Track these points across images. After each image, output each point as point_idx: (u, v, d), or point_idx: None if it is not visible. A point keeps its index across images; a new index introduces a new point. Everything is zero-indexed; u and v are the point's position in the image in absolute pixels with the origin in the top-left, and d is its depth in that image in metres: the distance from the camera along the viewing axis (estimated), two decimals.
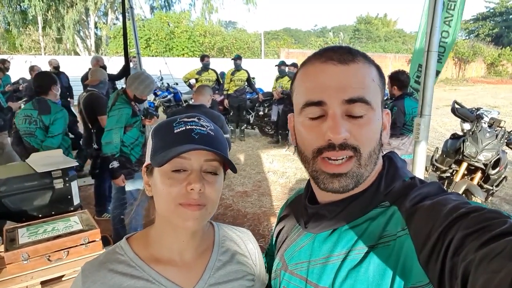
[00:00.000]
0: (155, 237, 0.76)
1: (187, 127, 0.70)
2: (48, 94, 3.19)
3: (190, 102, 3.47)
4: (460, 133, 4.02)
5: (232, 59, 7.69)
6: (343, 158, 0.61)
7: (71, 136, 3.95)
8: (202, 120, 0.74)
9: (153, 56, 17.42)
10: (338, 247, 0.65)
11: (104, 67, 7.23)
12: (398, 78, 3.82)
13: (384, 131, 0.68)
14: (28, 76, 7.56)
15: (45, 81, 3.23)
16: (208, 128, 0.73)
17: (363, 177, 0.63)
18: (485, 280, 0.39)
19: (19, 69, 9.22)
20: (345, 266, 0.62)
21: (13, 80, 7.71)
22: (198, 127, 0.71)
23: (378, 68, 0.67)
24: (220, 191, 0.74)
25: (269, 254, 0.93)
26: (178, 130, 0.70)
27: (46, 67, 7.81)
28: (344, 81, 0.61)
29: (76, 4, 18.43)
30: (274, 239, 0.87)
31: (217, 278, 0.77)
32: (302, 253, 0.71)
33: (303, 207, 0.75)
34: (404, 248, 0.56)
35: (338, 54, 0.63)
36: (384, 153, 0.72)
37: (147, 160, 0.73)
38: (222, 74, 8.21)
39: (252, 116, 8.13)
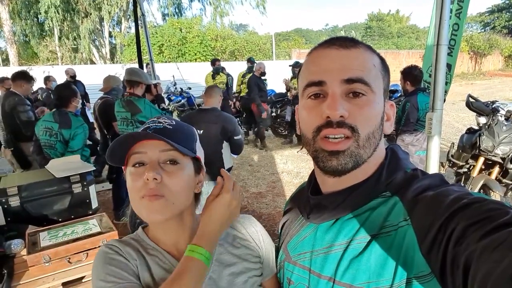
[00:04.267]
0: (152, 231, 0.81)
1: (145, 126, 0.76)
2: (69, 106, 3.20)
3: (202, 106, 3.49)
4: (476, 128, 3.94)
5: (248, 60, 7.70)
6: (342, 137, 0.62)
7: (89, 142, 4.06)
8: (162, 119, 0.77)
9: (166, 62, 17.66)
10: (340, 237, 0.66)
11: (74, 76, 7.51)
12: (410, 73, 3.77)
13: (387, 121, 0.69)
14: (44, 86, 7.78)
15: (66, 93, 3.24)
16: (166, 123, 0.76)
17: (361, 158, 0.63)
18: (487, 270, 0.40)
19: (38, 80, 9.48)
20: (347, 255, 0.63)
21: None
22: (154, 124, 0.75)
23: (381, 58, 0.68)
24: (185, 182, 0.74)
25: (277, 249, 0.94)
26: (139, 130, 0.75)
27: (63, 77, 8.02)
28: (345, 63, 0.63)
29: (91, 14, 18.87)
30: (279, 232, 0.88)
31: (219, 263, 0.79)
32: (305, 244, 0.72)
33: (306, 199, 0.76)
34: (406, 239, 0.57)
35: (341, 41, 0.65)
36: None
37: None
38: (231, 79, 8.24)
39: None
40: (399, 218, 0.59)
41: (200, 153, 0.82)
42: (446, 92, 4.02)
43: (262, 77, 7.23)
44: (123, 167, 0.78)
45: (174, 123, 0.77)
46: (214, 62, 7.59)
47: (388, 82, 0.69)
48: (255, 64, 7.44)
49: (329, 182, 0.69)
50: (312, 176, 0.77)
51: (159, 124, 0.75)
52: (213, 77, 7.39)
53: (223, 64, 8.00)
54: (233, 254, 0.82)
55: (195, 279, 0.68)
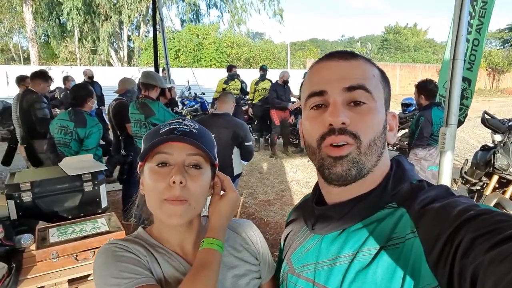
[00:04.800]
0: (157, 231, 0.81)
1: (170, 127, 0.75)
2: (84, 106, 3.26)
3: (215, 111, 3.51)
4: (491, 145, 3.87)
5: (260, 68, 7.78)
6: (344, 143, 0.62)
7: (102, 143, 4.13)
8: (186, 121, 0.78)
9: (181, 67, 17.87)
10: (345, 248, 0.65)
11: (92, 77, 7.63)
12: (425, 87, 3.73)
13: (390, 131, 0.69)
14: (63, 86, 7.95)
15: (82, 93, 3.31)
16: (192, 127, 0.77)
17: (364, 166, 0.63)
18: (494, 282, 0.39)
19: (56, 79, 9.71)
20: (353, 267, 0.62)
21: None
22: (181, 126, 0.76)
23: (381, 71, 0.70)
24: (205, 187, 0.77)
25: (279, 260, 0.92)
26: (163, 130, 0.75)
27: (81, 77, 8.19)
28: (345, 72, 0.64)
29: (111, 17, 19.27)
30: (282, 243, 0.87)
31: (223, 265, 0.79)
32: (309, 255, 0.72)
33: (311, 209, 0.75)
34: (413, 251, 0.56)
35: (341, 54, 0.67)
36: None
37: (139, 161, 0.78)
38: (245, 85, 8.29)
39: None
40: (406, 230, 0.59)
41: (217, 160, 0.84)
42: (467, 106, 3.98)
43: (285, 85, 7.29)
44: (139, 163, 0.78)
45: (198, 127, 0.78)
46: (230, 68, 7.68)
47: (389, 93, 0.70)
48: (281, 72, 7.52)
49: (334, 192, 0.69)
50: (317, 187, 0.77)
51: (185, 127, 0.76)
52: (227, 83, 7.45)
53: (237, 71, 8.06)
54: (235, 257, 0.83)
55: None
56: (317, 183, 0.77)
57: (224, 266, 0.79)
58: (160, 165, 0.72)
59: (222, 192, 0.83)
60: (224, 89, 7.35)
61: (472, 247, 0.45)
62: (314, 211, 0.73)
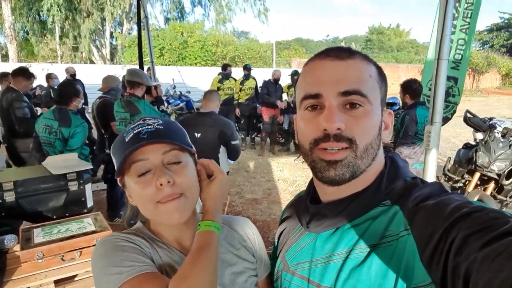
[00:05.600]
0: (154, 227, 0.80)
1: (134, 131, 0.72)
2: (69, 105, 3.18)
3: (200, 110, 3.49)
4: (473, 143, 3.97)
5: (244, 67, 7.78)
6: (339, 149, 0.62)
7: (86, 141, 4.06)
8: (148, 120, 0.75)
9: (166, 65, 17.69)
10: (340, 246, 0.65)
11: (74, 75, 7.55)
12: (410, 86, 3.80)
13: (386, 130, 0.69)
14: (45, 84, 7.76)
15: (68, 91, 3.23)
16: (156, 124, 0.73)
17: (359, 169, 0.63)
18: (487, 279, 0.40)
19: (38, 77, 9.48)
20: (347, 265, 0.62)
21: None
22: (144, 128, 0.72)
23: (378, 68, 0.68)
24: (193, 176, 0.75)
25: (273, 257, 0.92)
26: (128, 138, 0.72)
27: (63, 75, 8.01)
28: (340, 75, 0.62)
29: (93, 14, 18.92)
30: (276, 241, 0.87)
31: (221, 262, 0.79)
32: (304, 253, 0.72)
33: (305, 208, 0.75)
34: (406, 248, 0.56)
35: (337, 52, 0.65)
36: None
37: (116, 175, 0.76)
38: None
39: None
40: (400, 228, 0.59)
41: None
42: (456, 103, 4.06)
43: (277, 84, 7.43)
44: (118, 178, 0.75)
45: (162, 122, 0.75)
46: (225, 67, 7.65)
47: (386, 91, 0.69)
48: (273, 70, 7.66)
49: (328, 191, 0.69)
50: (311, 184, 0.77)
51: (149, 127, 0.72)
52: (221, 82, 7.43)
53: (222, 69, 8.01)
54: (234, 254, 0.83)
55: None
56: (311, 181, 0.77)
57: (222, 263, 0.79)
58: (141, 175, 0.70)
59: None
60: (218, 88, 7.32)
61: (466, 244, 0.46)
62: (308, 209, 0.73)
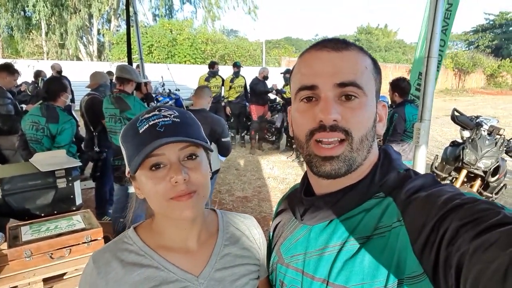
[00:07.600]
0: (157, 228, 0.77)
1: (150, 123, 0.69)
2: (57, 101, 3.12)
3: (191, 107, 3.47)
4: (460, 141, 4.04)
5: (233, 65, 7.76)
6: (335, 141, 0.62)
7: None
8: (163, 111, 0.71)
9: (155, 62, 17.53)
10: (333, 238, 0.66)
11: (60, 72, 7.38)
12: (399, 85, 3.84)
13: (380, 122, 0.69)
14: (30, 81, 7.62)
15: (55, 87, 3.16)
16: (172, 116, 0.70)
17: (355, 162, 0.63)
18: (479, 270, 0.40)
19: (23, 74, 9.29)
20: (341, 257, 0.63)
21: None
22: (161, 119, 0.69)
23: (373, 60, 0.68)
24: (207, 173, 0.73)
25: (269, 251, 0.93)
26: (143, 129, 0.68)
27: (49, 72, 7.88)
28: (336, 66, 0.62)
29: (80, 10, 18.61)
30: (271, 234, 0.87)
31: (223, 263, 0.78)
32: (298, 246, 0.72)
33: (299, 200, 0.75)
34: (399, 239, 0.57)
35: (333, 43, 0.65)
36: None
37: (127, 168, 0.73)
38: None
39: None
40: (393, 219, 0.59)
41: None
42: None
43: (265, 81, 7.46)
44: (127, 171, 0.73)
45: (178, 114, 0.72)
46: (212, 65, 7.60)
47: (380, 83, 0.69)
48: (260, 68, 7.69)
49: (323, 184, 0.69)
50: (305, 177, 0.77)
51: (166, 119, 0.69)
52: (208, 80, 7.38)
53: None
54: (237, 256, 0.81)
55: None
56: (305, 173, 0.77)
57: (225, 264, 0.78)
58: (153, 168, 0.68)
59: None
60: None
61: (458, 235, 0.46)
62: (302, 201, 0.73)
